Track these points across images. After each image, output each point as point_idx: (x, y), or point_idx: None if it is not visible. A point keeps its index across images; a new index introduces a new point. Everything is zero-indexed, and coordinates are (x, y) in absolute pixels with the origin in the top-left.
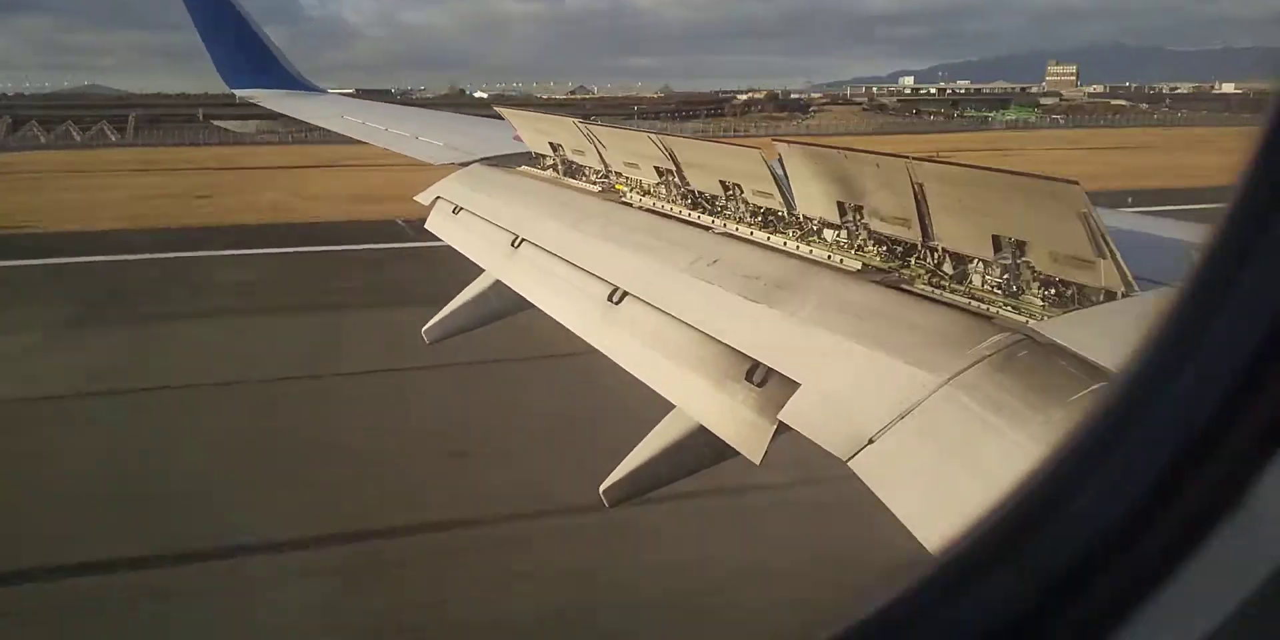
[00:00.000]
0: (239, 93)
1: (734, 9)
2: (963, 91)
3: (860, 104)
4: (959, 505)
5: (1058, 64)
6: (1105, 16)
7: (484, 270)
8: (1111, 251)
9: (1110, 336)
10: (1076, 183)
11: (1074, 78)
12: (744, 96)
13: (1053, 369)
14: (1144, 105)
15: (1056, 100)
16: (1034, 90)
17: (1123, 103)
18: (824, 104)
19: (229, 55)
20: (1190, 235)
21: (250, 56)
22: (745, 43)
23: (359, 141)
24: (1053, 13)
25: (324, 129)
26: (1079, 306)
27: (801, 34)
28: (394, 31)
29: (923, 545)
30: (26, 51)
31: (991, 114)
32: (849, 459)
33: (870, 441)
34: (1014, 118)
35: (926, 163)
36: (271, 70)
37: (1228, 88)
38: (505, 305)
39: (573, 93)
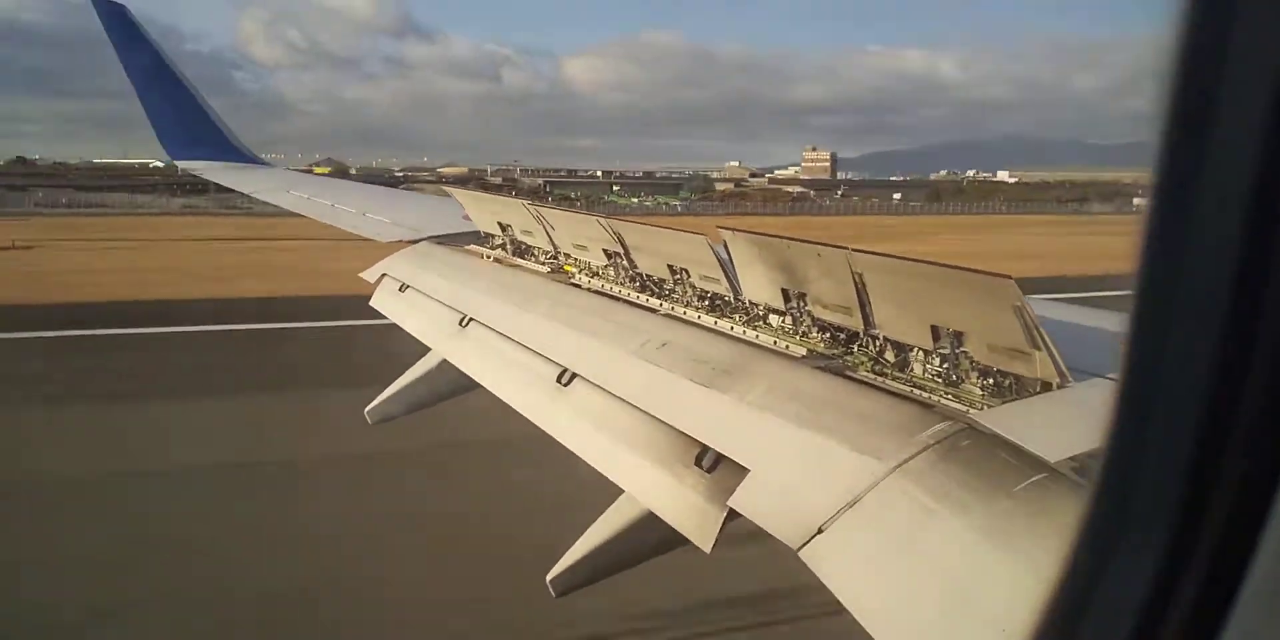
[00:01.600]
0: (181, 164)
1: (672, 96)
2: (638, 175)
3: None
4: (903, 595)
5: (813, 150)
6: (1025, 109)
7: (429, 349)
8: (1046, 343)
9: (1047, 426)
10: (1009, 277)
11: (828, 163)
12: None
13: (994, 459)
14: (835, 194)
15: (732, 186)
16: (714, 176)
17: (805, 191)
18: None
19: (172, 125)
20: (1119, 325)
21: (194, 127)
22: (683, 128)
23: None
24: (974, 106)
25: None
26: (1016, 396)
27: (737, 120)
28: (333, 107)
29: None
30: None
31: (645, 199)
32: (799, 549)
33: (820, 531)
34: (652, 204)
35: (865, 254)
36: (215, 142)
37: (1002, 175)
38: (451, 386)
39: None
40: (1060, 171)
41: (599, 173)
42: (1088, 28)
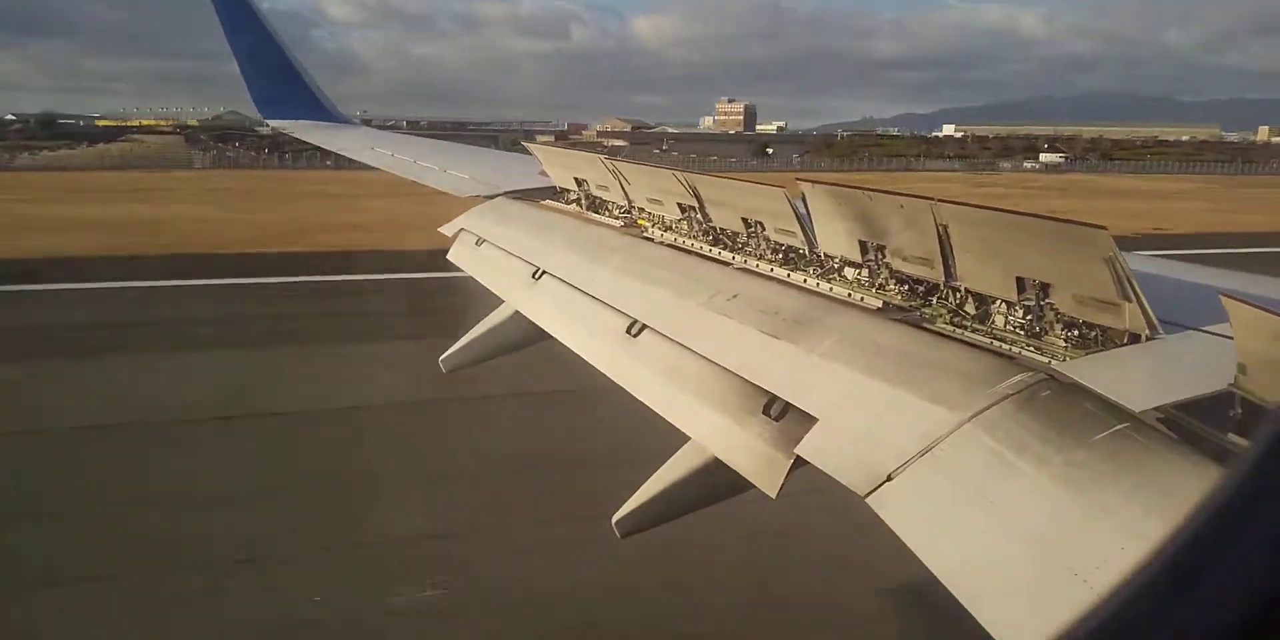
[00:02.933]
0: (272, 123)
1: (737, 52)
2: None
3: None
4: (977, 544)
5: (730, 102)
6: (1114, 64)
7: (503, 301)
8: (1137, 295)
9: (1134, 377)
10: (1104, 228)
11: (740, 116)
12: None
13: (1075, 409)
14: (664, 145)
15: (552, 139)
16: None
17: (624, 145)
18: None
19: (266, 86)
20: (1219, 280)
21: (287, 88)
22: (751, 85)
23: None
24: (1061, 61)
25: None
26: (1102, 348)
27: (806, 76)
28: (403, 63)
29: (940, 582)
30: (41, 76)
31: None
32: (867, 495)
33: (889, 478)
34: None
35: (951, 204)
36: (305, 101)
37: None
38: (524, 336)
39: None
40: (1137, 127)
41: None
42: None
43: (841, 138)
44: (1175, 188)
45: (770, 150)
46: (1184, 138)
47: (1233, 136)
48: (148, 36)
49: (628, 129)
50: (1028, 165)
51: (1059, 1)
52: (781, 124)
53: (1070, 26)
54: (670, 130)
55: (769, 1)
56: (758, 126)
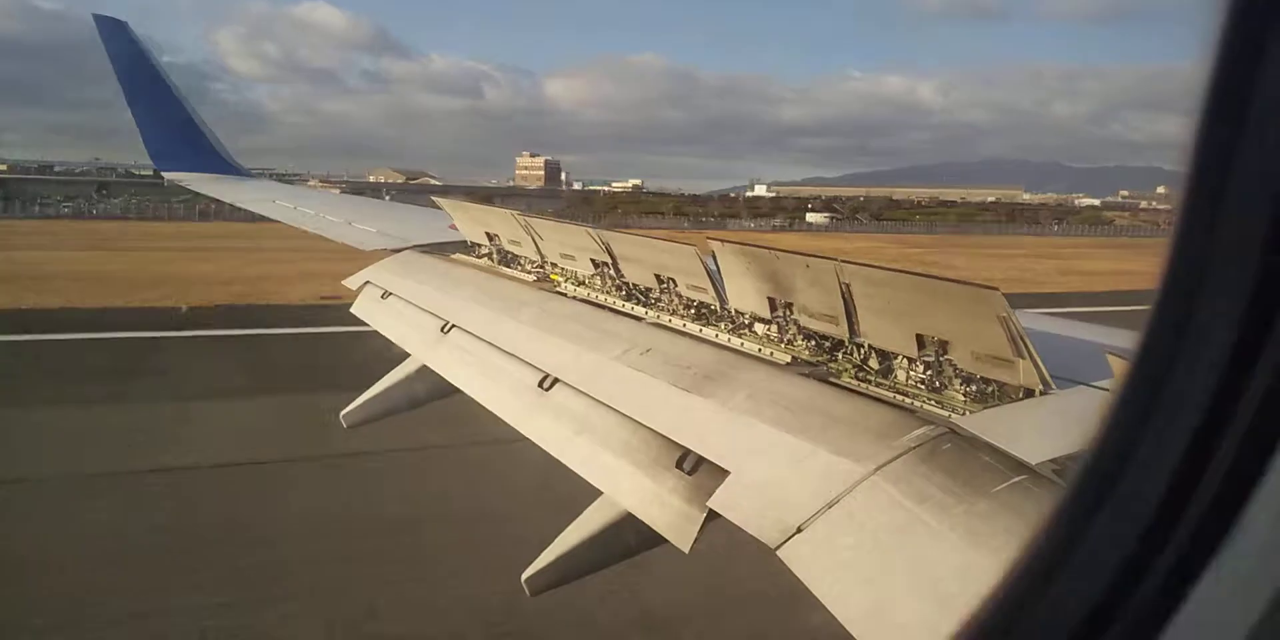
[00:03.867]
0: (168, 175)
1: (653, 115)
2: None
3: None
4: (883, 594)
5: (532, 157)
6: (1004, 133)
7: (409, 355)
8: (1030, 352)
9: (1029, 431)
10: (996, 289)
11: (541, 171)
12: None
13: (975, 461)
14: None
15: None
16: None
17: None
18: None
19: (161, 138)
20: (1105, 337)
21: (183, 140)
22: (665, 146)
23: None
24: (957, 129)
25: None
26: (999, 403)
27: (718, 140)
28: (313, 119)
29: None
30: None
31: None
32: (777, 547)
33: (799, 530)
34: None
35: (853, 265)
36: (202, 154)
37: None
38: (430, 391)
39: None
40: (1037, 195)
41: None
42: (1061, 56)
43: (602, 194)
44: (866, 245)
45: (498, 202)
46: (989, 199)
47: (1028, 197)
48: (45, 87)
49: (401, 180)
50: (810, 219)
51: (953, 74)
52: (638, 182)
53: (965, 97)
54: (434, 182)
55: (680, 68)
56: (576, 184)
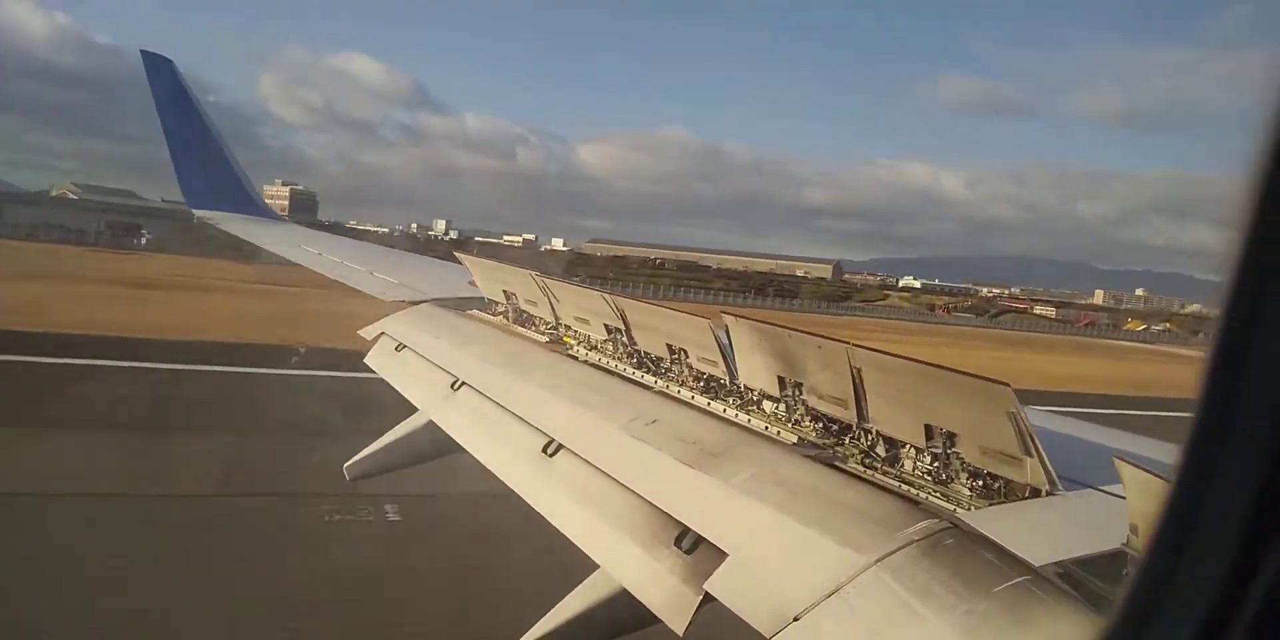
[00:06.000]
0: (199, 213)
1: (680, 187)
2: None
3: None
4: None
5: (282, 185)
6: (1033, 232)
7: (418, 409)
8: (1038, 450)
9: (1034, 531)
10: (1007, 385)
11: (287, 201)
12: None
13: (978, 559)
14: None
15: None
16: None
17: None
18: None
19: (196, 175)
20: (1112, 440)
21: (217, 180)
22: (692, 218)
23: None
24: (981, 223)
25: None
26: (1005, 500)
27: (745, 215)
28: (351, 169)
29: None
30: None
31: None
32: (772, 637)
33: (795, 619)
34: None
35: (864, 350)
36: (236, 195)
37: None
38: (435, 447)
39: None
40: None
41: None
42: (1087, 159)
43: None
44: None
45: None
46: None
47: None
48: (95, 119)
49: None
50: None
51: (978, 168)
52: (529, 236)
53: (990, 190)
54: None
55: (709, 145)
56: (454, 233)
